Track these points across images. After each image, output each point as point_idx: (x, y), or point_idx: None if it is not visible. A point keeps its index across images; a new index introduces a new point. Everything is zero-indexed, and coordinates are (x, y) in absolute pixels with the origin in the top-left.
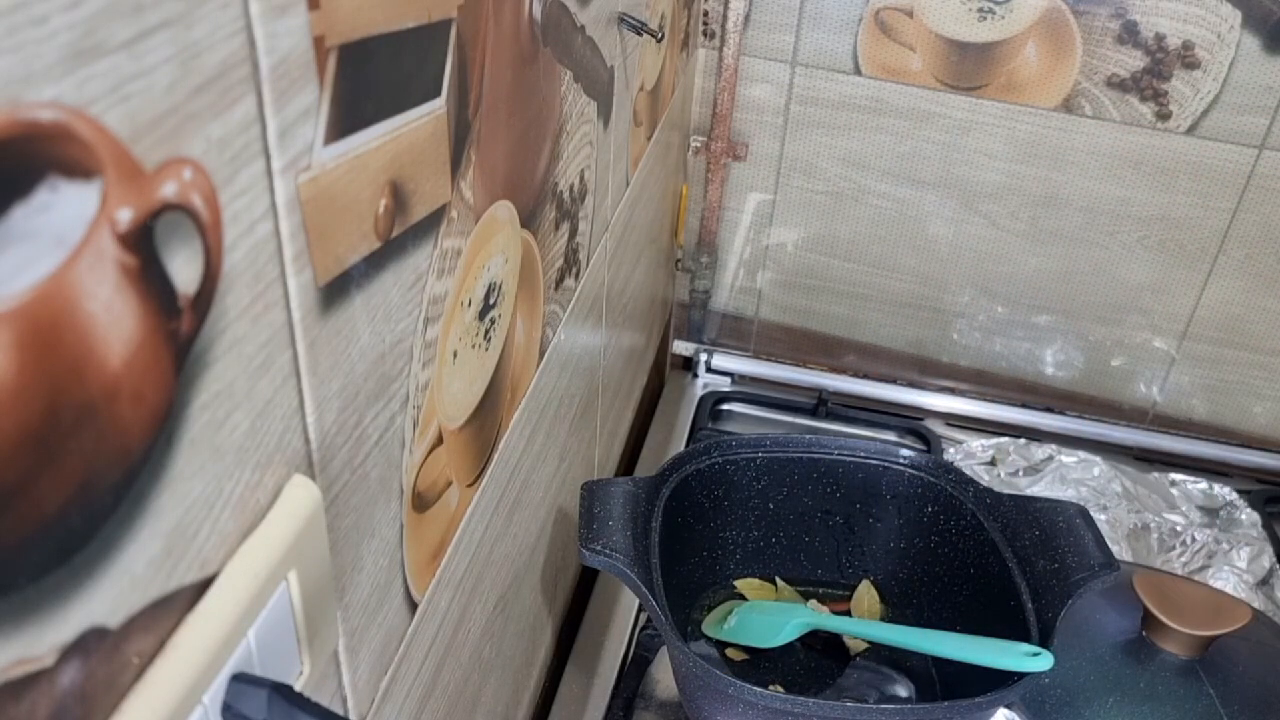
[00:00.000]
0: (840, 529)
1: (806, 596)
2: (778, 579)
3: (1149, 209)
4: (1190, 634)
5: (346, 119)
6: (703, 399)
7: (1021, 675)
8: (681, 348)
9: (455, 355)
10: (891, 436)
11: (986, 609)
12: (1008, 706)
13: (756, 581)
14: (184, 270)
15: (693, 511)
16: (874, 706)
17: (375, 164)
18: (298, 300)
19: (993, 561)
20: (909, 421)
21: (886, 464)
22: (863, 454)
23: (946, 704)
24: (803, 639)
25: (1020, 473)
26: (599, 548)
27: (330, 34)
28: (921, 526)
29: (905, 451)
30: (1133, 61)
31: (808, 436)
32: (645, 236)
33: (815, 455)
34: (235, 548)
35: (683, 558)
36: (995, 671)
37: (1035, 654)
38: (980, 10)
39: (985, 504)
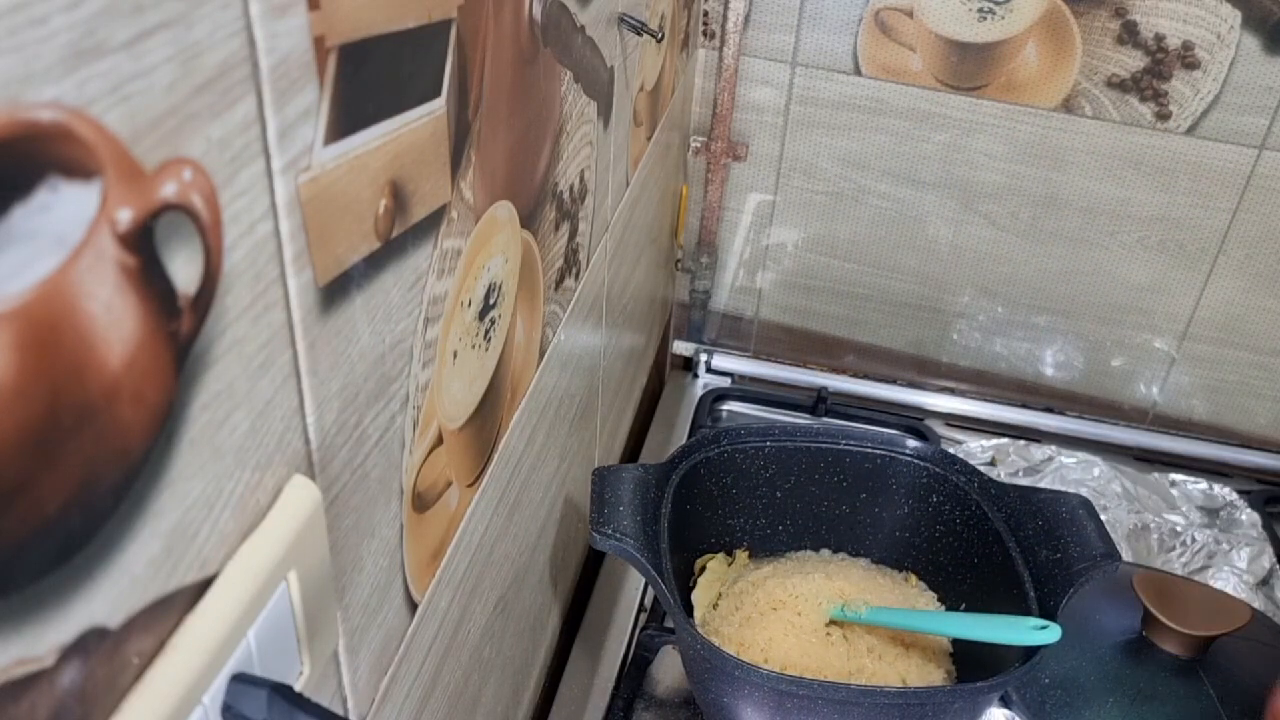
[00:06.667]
0: (846, 518)
1: None
2: (736, 551)
3: (1149, 209)
4: (1190, 634)
5: (346, 119)
6: (702, 398)
7: (1025, 659)
8: (681, 348)
9: (455, 355)
10: None
11: (990, 598)
12: (1007, 706)
13: (719, 556)
14: (184, 270)
15: (701, 498)
16: (877, 687)
17: (375, 164)
18: (298, 300)
19: (996, 551)
20: (909, 421)
21: (893, 454)
22: (869, 444)
23: (947, 688)
24: None
25: (1020, 473)
26: (609, 531)
27: (330, 34)
28: (926, 516)
29: (911, 442)
30: (1133, 62)
31: (815, 426)
32: (645, 236)
33: (823, 445)
34: (235, 548)
35: (691, 543)
36: (997, 663)
37: (1043, 628)
38: (980, 10)
39: (990, 494)
